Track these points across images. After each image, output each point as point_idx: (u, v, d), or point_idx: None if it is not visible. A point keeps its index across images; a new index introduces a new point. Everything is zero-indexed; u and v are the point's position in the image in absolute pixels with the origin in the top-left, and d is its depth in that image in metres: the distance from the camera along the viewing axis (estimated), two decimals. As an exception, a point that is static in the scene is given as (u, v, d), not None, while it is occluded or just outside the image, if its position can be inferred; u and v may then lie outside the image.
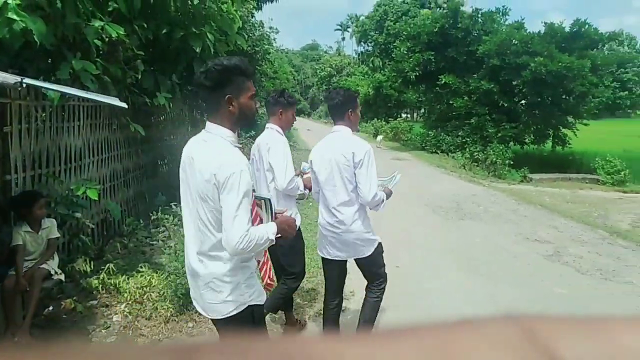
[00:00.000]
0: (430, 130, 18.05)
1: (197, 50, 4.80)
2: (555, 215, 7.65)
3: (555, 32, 15.92)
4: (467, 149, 15.00)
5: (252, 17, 7.48)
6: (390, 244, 3.71)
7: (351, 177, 2.65)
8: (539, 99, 15.28)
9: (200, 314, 3.53)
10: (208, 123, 1.82)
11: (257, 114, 2.03)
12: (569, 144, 16.66)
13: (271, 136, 3.01)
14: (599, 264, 5.17)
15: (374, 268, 2.86)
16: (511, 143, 15.87)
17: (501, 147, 14.21)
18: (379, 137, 20.72)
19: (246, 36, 6.17)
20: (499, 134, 15.25)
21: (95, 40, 3.88)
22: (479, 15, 17.23)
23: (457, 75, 16.50)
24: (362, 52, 58.33)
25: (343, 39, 73.69)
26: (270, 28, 7.91)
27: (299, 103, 70.36)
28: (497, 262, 5.16)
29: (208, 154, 1.76)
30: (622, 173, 11.86)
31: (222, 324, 1.88)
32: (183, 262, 3.67)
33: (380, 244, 2.84)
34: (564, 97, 15.37)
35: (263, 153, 2.98)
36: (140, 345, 0.21)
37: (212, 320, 1.96)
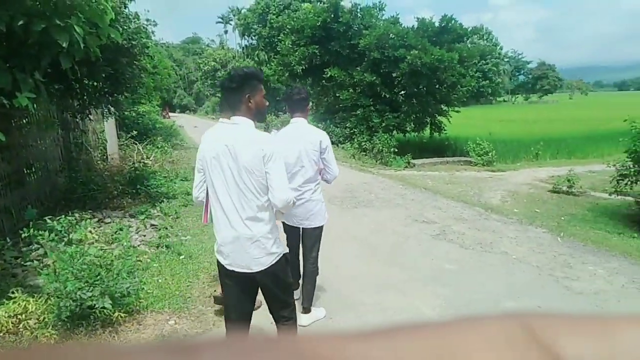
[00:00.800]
0: (320, 123, 18.41)
1: (64, 44, 4.29)
2: (438, 196, 8.27)
3: (426, 27, 17.14)
4: (355, 139, 15.59)
5: (126, 8, 6.89)
6: (291, 240, 3.68)
7: (317, 159, 3.29)
8: (416, 90, 16.38)
9: (91, 336, 3.21)
10: (234, 116, 2.30)
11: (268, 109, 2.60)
12: (445, 130, 18.13)
13: None
14: (479, 238, 5.70)
15: (317, 240, 3.47)
16: (394, 132, 16.81)
17: (386, 136, 14.99)
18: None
19: (121, 29, 5.66)
20: (383, 124, 16.07)
21: None
22: (358, 10, 17.91)
23: (341, 69, 17.00)
24: (246, 45, 57.60)
25: (226, 32, 72.35)
26: (147, 20, 7.35)
27: (183, 99, 67.46)
28: (392, 246, 5.43)
29: (249, 137, 2.24)
30: (490, 154, 13.23)
31: (265, 274, 2.35)
32: (65, 281, 3.31)
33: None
34: (437, 87, 16.64)
35: None
36: (136, 343, 0.19)
37: (252, 275, 2.35)
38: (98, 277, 3.35)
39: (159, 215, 6.37)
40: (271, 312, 2.58)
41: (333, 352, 0.18)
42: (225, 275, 2.43)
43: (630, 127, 7.46)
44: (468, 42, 19.74)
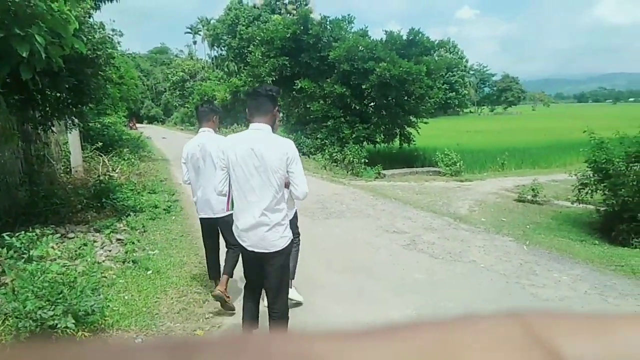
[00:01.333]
0: (291, 134, 18.42)
1: (24, 54, 4.15)
2: (408, 207, 8.36)
3: (395, 40, 17.47)
4: (327, 150, 15.66)
5: (90, 17, 6.74)
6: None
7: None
8: (385, 101, 16.63)
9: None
10: (257, 123, 2.70)
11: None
12: (414, 141, 18.43)
13: (210, 137, 3.78)
14: (448, 248, 5.77)
15: (296, 221, 3.94)
16: (365, 143, 16.99)
17: (356, 147, 15.12)
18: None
19: (85, 39, 5.52)
20: (354, 135, 16.22)
21: None
22: (328, 23, 18.10)
23: (312, 80, 17.11)
24: (215, 56, 57.28)
25: (195, 42, 71.28)
26: (113, 30, 7.20)
27: (151, 110, 66.32)
28: (363, 256, 5.44)
29: (273, 142, 2.67)
30: (458, 164, 13.50)
31: (278, 254, 2.75)
32: (24, 300, 3.16)
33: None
34: (405, 98, 16.94)
35: (211, 149, 3.67)
36: (136, 341, 0.19)
37: (267, 255, 2.75)
38: (60, 295, 3.21)
39: (125, 230, 6.20)
40: (267, 300, 2.95)
41: (330, 352, 0.18)
42: (245, 254, 2.87)
43: (590, 138, 7.76)
44: (435, 54, 20.22)
